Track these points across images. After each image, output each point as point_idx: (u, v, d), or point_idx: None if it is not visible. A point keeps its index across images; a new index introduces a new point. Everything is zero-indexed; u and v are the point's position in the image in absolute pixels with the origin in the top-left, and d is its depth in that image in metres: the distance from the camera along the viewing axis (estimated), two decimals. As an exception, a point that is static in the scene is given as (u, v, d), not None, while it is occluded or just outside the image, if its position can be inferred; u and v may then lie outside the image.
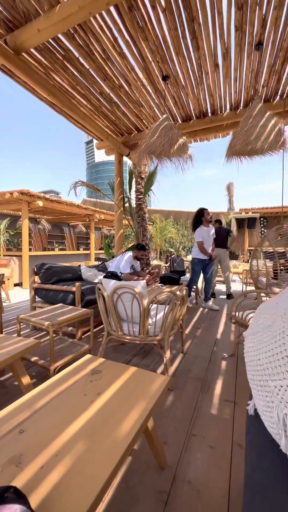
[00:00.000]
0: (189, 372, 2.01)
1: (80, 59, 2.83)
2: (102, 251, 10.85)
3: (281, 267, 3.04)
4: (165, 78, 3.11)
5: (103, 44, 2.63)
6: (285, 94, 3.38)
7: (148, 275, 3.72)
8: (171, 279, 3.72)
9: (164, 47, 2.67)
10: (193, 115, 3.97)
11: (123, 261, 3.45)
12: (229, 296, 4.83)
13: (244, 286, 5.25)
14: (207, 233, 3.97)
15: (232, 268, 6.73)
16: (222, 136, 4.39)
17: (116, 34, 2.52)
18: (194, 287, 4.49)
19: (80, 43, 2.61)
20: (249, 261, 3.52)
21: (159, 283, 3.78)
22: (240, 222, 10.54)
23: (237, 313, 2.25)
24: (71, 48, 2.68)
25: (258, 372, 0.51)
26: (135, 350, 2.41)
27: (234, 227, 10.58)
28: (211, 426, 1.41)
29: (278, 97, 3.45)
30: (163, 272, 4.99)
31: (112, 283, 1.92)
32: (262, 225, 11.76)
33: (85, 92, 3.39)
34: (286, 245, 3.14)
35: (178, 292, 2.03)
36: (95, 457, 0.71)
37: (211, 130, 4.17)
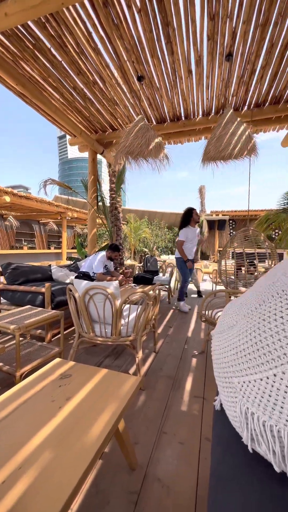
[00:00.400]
0: (160, 371, 2.05)
1: (52, 50, 2.72)
2: (75, 250, 10.55)
3: (240, 267, 3.23)
4: (140, 78, 3.11)
5: (76, 37, 2.55)
6: (252, 105, 3.59)
7: (122, 275, 3.71)
8: (144, 279, 3.75)
9: (139, 48, 2.67)
10: (168, 118, 4.04)
11: (96, 261, 3.39)
12: (199, 293, 5.02)
13: (214, 285, 5.49)
14: (193, 233, 3.83)
15: (203, 268, 6.99)
16: (195, 140, 4.53)
17: (91, 29, 2.47)
18: (167, 286, 4.58)
19: (52, 33, 2.50)
20: (218, 261, 3.69)
21: (133, 283, 3.79)
22: (211, 223, 10.98)
23: (206, 312, 2.34)
24: (42, 37, 2.56)
25: (223, 369, 0.54)
26: (107, 352, 2.38)
27: (205, 229, 10.99)
28: (181, 423, 1.45)
29: (246, 107, 3.65)
30: (136, 272, 5.01)
31: (84, 283, 1.88)
32: (231, 227, 12.38)
33: (57, 85, 3.26)
34: (251, 246, 3.35)
35: (151, 292, 2.06)
36: (63, 464, 0.69)
37: (184, 134, 4.28)
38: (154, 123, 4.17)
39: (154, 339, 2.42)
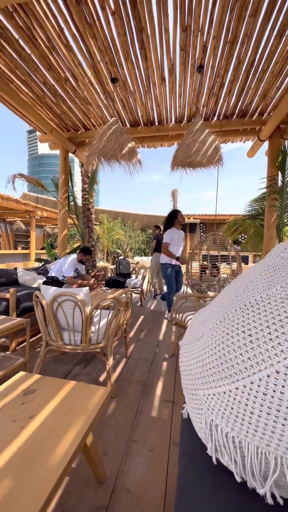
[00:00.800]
0: (132, 376, 2.04)
1: (21, 41, 2.57)
2: (44, 251, 10.08)
3: (204, 269, 3.37)
4: (114, 80, 3.09)
5: (47, 32, 2.44)
6: (221, 116, 3.77)
7: (93, 279, 3.63)
8: (117, 282, 3.72)
9: (113, 50, 2.65)
10: (141, 122, 4.06)
11: (66, 264, 3.27)
12: (163, 296, 5.09)
13: (185, 287, 5.64)
14: (178, 235, 3.66)
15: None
16: (168, 146, 4.62)
17: (62, 25, 2.38)
18: (139, 289, 4.59)
19: (21, 24, 2.37)
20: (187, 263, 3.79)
21: (105, 286, 3.73)
22: (182, 226, 11.30)
23: (177, 315, 2.39)
24: (9, 27, 2.41)
25: (190, 381, 0.55)
26: (77, 359, 2.31)
27: (177, 231, 11.26)
28: (151, 429, 1.45)
29: (215, 117, 3.82)
30: (109, 275, 4.95)
31: (52, 290, 1.80)
32: (201, 230, 12.86)
33: (26, 78, 3.09)
34: (219, 249, 3.52)
35: (124, 295, 2.04)
36: (24, 492, 0.65)
37: (158, 139, 4.34)
38: (128, 126, 4.16)
39: (126, 343, 2.41)
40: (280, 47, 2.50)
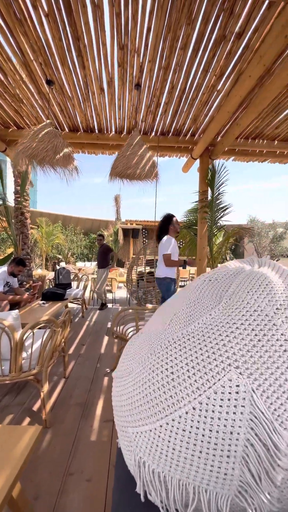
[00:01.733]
0: (70, 399, 1.93)
1: None
2: None
3: (142, 277, 3.53)
4: (49, 82, 2.92)
5: None
6: (159, 132, 4.00)
7: (27, 293, 3.32)
8: (55, 294, 3.48)
9: (48, 52, 2.51)
10: (81, 128, 3.95)
11: (-7, 278, 2.90)
12: (103, 306, 5.04)
13: (129, 294, 5.71)
14: (175, 246, 3.00)
15: (118, 276, 7.17)
16: (109, 154, 4.62)
17: (-14, 13, 2.13)
18: (81, 299, 4.42)
19: None
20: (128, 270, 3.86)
21: (41, 300, 3.45)
22: (125, 232, 11.45)
23: (117, 328, 2.39)
24: None
25: (120, 418, 0.55)
26: (6, 388, 2.06)
27: (120, 236, 11.35)
28: (90, 456, 1.40)
29: (153, 133, 4.03)
30: (47, 287, 4.61)
31: (-27, 315, 1.56)
32: (144, 236, 13.29)
33: None
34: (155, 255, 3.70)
35: (68, 305, 1.92)
36: None
37: (98, 147, 4.30)
38: (67, 130, 3.99)
39: (64, 363, 2.27)
40: (206, 80, 2.81)
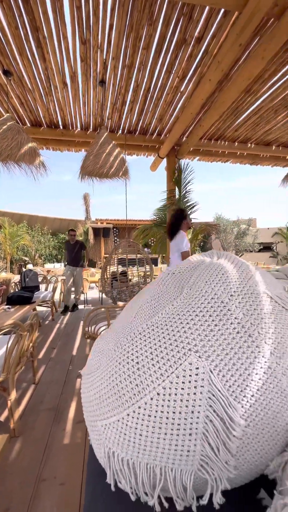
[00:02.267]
0: (41, 404, 1.86)
1: None
2: None
3: (115, 277, 3.55)
4: (6, 73, 2.74)
5: None
6: (125, 130, 4.00)
7: (-10, 298, 3.10)
8: (21, 298, 3.30)
9: (3, 40, 2.36)
10: (44, 123, 3.78)
11: None
12: (75, 307, 4.98)
13: (101, 294, 5.64)
14: (188, 242, 2.85)
15: (89, 277, 7.04)
16: (75, 151, 4.50)
17: None
18: (50, 302, 4.26)
19: None
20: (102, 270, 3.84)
21: (6, 304, 3.24)
22: (96, 231, 11.26)
23: (89, 328, 2.35)
24: None
25: (90, 413, 0.55)
26: None
27: (91, 236, 11.13)
28: (63, 459, 1.37)
29: (120, 131, 4.02)
30: (12, 290, 4.35)
31: None
32: (115, 235, 13.20)
33: None
34: (133, 253, 3.73)
35: (37, 308, 1.83)
36: None
37: (64, 143, 4.16)
38: (28, 125, 3.80)
39: (33, 368, 2.18)
40: (169, 81, 2.89)
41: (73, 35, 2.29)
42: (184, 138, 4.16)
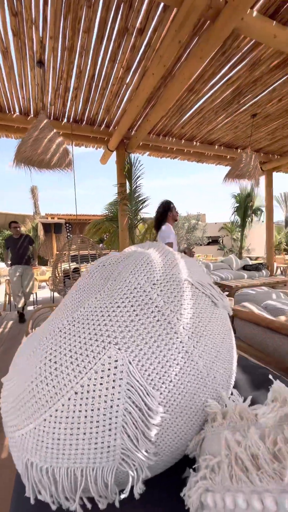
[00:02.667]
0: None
1: None
2: None
3: (68, 275, 3.42)
4: None
5: None
6: (71, 119, 3.78)
7: None
8: None
9: None
10: (-26, 103, 3.32)
11: None
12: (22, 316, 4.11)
13: (52, 293, 5.32)
14: (174, 234, 2.86)
15: (39, 275, 6.58)
16: (15, 138, 4.07)
17: None
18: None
19: None
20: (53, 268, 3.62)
21: None
22: (46, 226, 10.54)
23: (34, 330, 2.19)
24: None
25: (9, 423, 0.48)
26: None
27: (40, 232, 10.39)
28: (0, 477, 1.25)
29: (66, 119, 3.78)
30: None
31: None
32: (68, 231, 12.58)
33: None
34: (85, 249, 3.60)
35: None
36: None
37: (1, 128, 3.72)
38: None
39: None
40: (114, 71, 2.81)
41: (1, 5, 2.03)
42: (132, 132, 4.14)
